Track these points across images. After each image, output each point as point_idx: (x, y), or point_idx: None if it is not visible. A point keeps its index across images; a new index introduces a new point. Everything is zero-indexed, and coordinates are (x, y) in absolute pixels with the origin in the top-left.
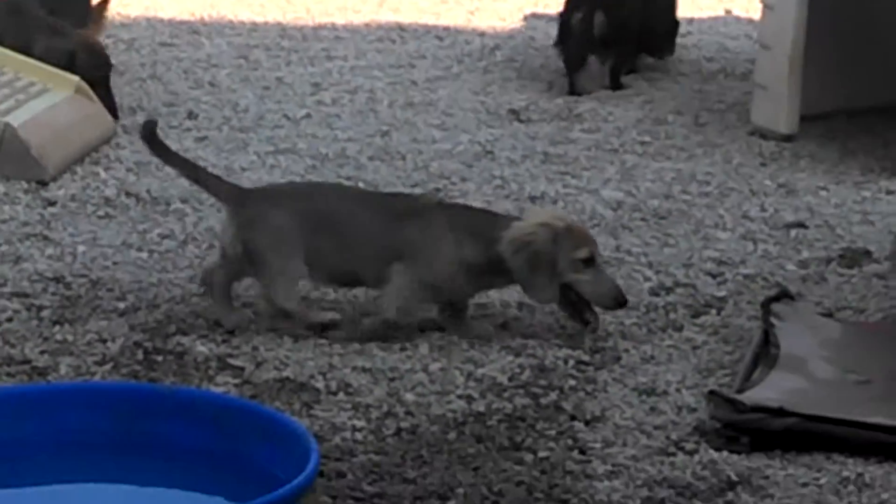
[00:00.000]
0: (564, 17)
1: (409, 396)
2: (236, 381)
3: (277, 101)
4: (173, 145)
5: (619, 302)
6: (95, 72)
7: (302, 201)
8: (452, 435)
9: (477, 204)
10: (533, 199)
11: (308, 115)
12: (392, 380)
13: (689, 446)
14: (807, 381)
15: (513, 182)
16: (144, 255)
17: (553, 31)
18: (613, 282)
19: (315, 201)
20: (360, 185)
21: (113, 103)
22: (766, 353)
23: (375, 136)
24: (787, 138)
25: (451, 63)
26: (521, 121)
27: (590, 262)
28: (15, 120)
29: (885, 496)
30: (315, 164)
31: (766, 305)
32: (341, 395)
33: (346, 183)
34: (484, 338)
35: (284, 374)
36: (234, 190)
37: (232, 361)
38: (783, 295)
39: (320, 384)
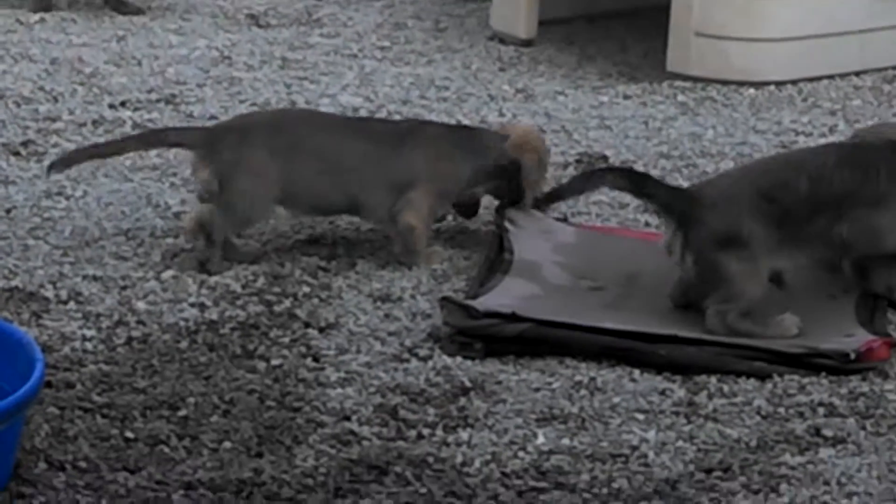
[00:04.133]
0: None
1: (141, 305)
2: None
3: (11, 6)
4: None
5: None
6: None
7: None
8: (184, 344)
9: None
10: (269, 104)
11: (42, 20)
12: (124, 288)
13: (423, 352)
14: (540, 287)
15: (250, 88)
16: None
17: None
18: None
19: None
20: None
21: None
22: (500, 259)
23: (111, 42)
24: (526, 43)
25: None
26: (259, 26)
27: None
28: None
29: (616, 400)
30: (48, 70)
31: (500, 210)
32: (71, 305)
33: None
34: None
35: (13, 283)
36: (204, 132)
37: None
38: None
39: (50, 293)
